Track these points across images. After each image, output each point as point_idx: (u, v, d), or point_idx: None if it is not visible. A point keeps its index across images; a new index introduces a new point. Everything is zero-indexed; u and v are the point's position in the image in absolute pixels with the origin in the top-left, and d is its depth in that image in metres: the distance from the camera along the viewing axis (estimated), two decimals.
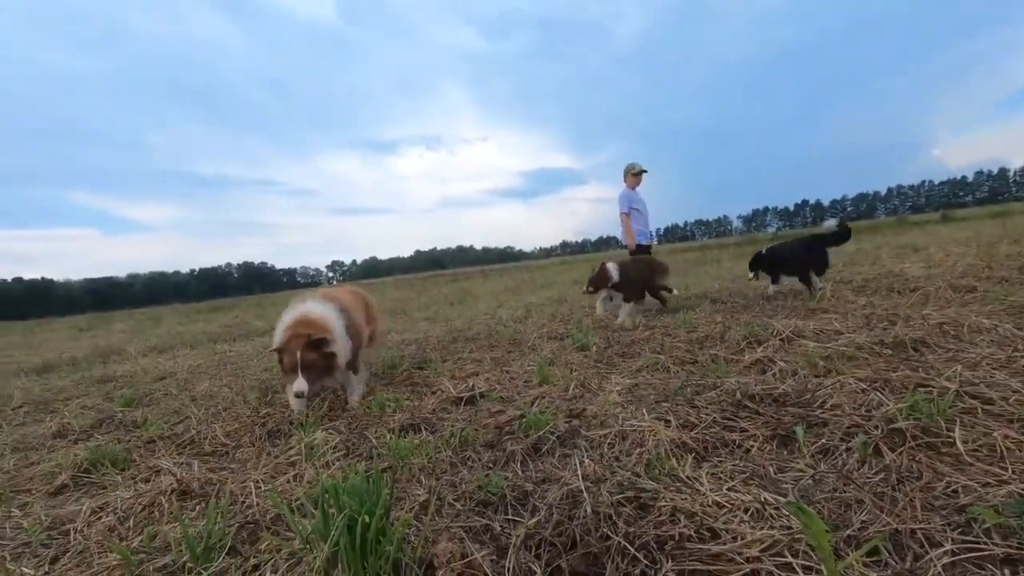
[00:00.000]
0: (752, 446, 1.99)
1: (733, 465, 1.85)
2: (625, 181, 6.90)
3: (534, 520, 1.57)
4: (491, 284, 18.47)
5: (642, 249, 6.88)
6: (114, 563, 1.59)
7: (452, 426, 2.54)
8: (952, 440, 1.75)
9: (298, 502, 1.86)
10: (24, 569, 1.67)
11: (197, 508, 1.98)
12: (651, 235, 7.11)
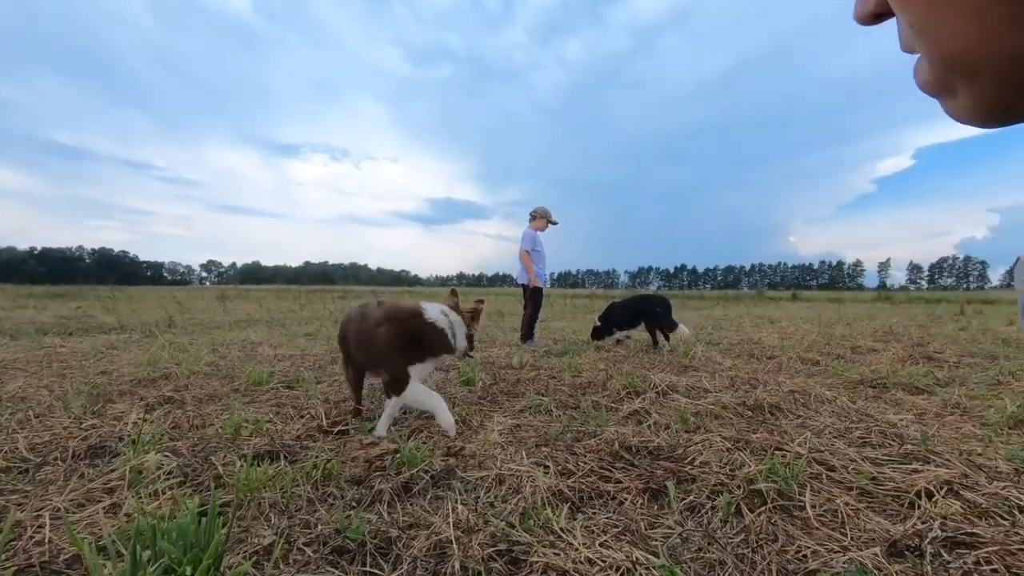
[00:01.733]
0: (626, 499, 1.98)
1: (607, 518, 1.82)
2: (533, 222, 7.03)
3: (395, 575, 1.42)
4: None
5: (537, 291, 7.00)
6: None
7: (317, 456, 2.29)
8: (803, 504, 1.87)
9: (107, 540, 1.53)
10: None
11: None
12: (547, 278, 7.26)
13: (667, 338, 6.43)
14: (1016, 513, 1.78)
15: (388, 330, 2.76)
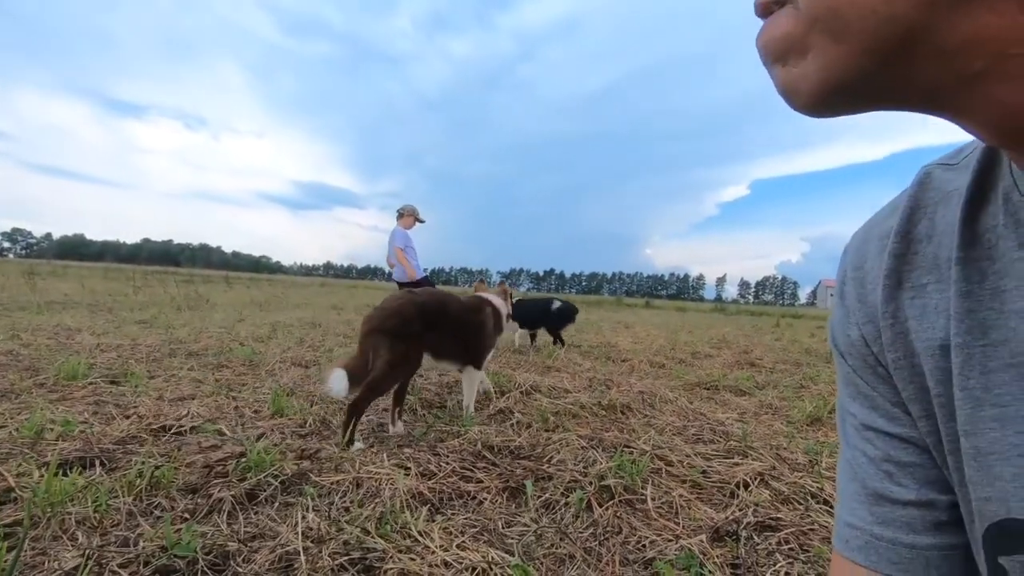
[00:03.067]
0: (485, 498, 2.01)
1: (465, 519, 1.83)
2: (400, 219, 6.91)
3: None
4: (235, 294, 16.32)
5: (419, 284, 6.88)
6: None
7: (143, 463, 2.01)
8: (645, 497, 2.03)
9: None
10: None
11: None
12: (422, 275, 7.17)
13: (562, 342, 6.83)
14: (809, 499, 2.10)
15: (486, 318, 3.25)
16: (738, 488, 2.19)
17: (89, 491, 1.77)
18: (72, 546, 1.48)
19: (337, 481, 2.03)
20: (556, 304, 6.90)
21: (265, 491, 1.92)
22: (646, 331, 10.56)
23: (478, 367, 3.22)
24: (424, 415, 3.17)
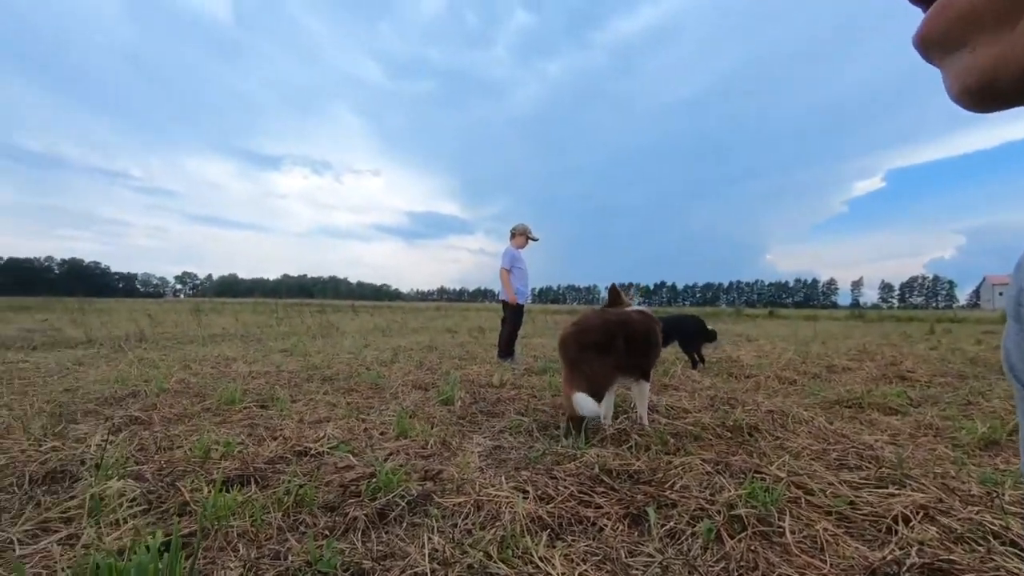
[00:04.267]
0: (606, 525, 1.95)
1: (586, 546, 1.79)
2: (513, 239, 7.04)
3: None
4: (361, 321, 17.64)
5: (517, 307, 6.97)
6: None
7: (289, 481, 2.22)
8: (783, 530, 1.86)
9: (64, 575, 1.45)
10: None
11: None
12: (528, 295, 7.25)
13: (703, 360, 6.53)
14: (990, 539, 1.79)
15: (657, 331, 3.42)
16: (896, 523, 1.93)
17: (247, 507, 1.98)
18: (235, 556, 1.66)
19: (459, 503, 2.08)
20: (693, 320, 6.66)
21: (394, 511, 2.02)
22: (771, 343, 9.78)
23: (648, 379, 3.40)
24: (539, 436, 3.17)
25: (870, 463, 2.61)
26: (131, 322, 12.35)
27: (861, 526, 1.95)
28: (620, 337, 3.16)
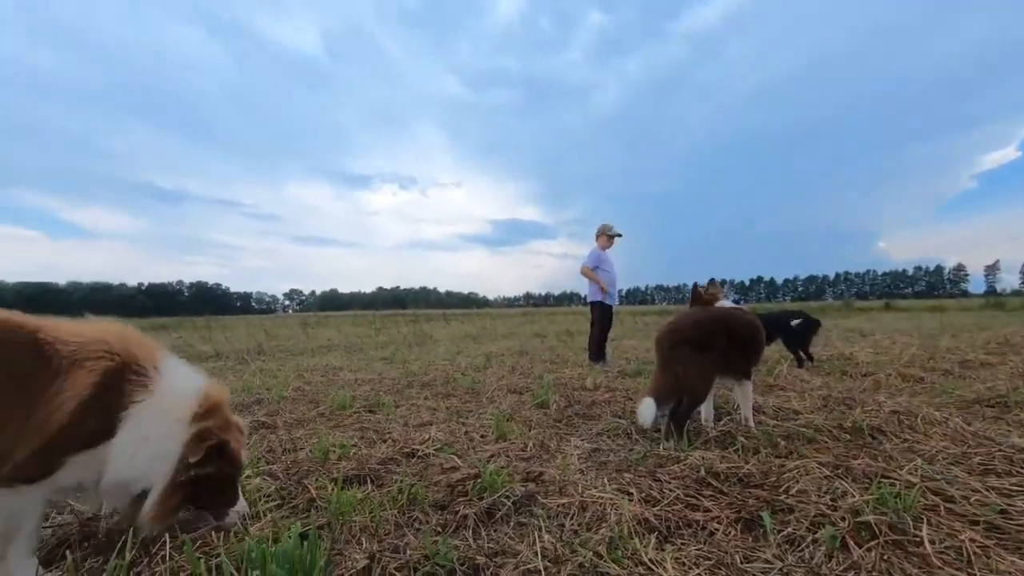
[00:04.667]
0: (717, 529, 1.89)
1: (698, 549, 1.74)
2: (597, 240, 6.99)
3: None
4: (452, 329, 18.23)
5: (605, 309, 6.90)
6: None
7: (401, 481, 2.36)
8: (920, 539, 1.70)
9: (218, 560, 1.64)
10: None
11: (101, 558, 1.73)
12: (616, 296, 7.14)
13: (810, 358, 6.12)
14: None
15: (760, 330, 3.28)
16: None
17: (366, 504, 2.13)
18: (359, 549, 1.79)
19: (563, 504, 2.11)
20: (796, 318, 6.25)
21: (500, 510, 2.08)
22: (890, 338, 8.91)
23: (750, 378, 3.27)
24: (639, 439, 3.12)
25: (1023, 468, 2.32)
26: (250, 337, 13.60)
27: (1017, 538, 1.74)
28: (719, 335, 3.06)
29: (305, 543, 1.30)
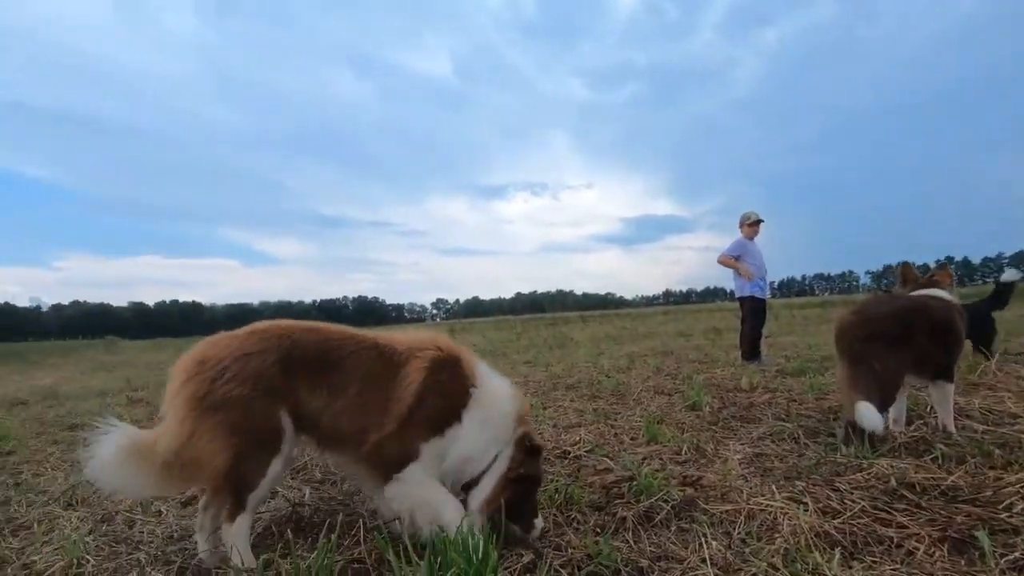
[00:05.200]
0: (916, 548, 1.66)
1: (894, 569, 1.55)
2: (741, 230, 6.53)
3: None
4: (591, 330, 18.18)
5: (757, 303, 6.38)
6: None
7: (556, 481, 2.41)
8: None
9: (404, 546, 1.82)
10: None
11: (308, 538, 2.02)
12: (766, 288, 6.55)
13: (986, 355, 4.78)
14: None
15: (961, 323, 2.80)
16: None
17: None
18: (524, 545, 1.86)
19: (727, 511, 2.00)
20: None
21: (659, 514, 2.03)
22: None
23: (951, 379, 2.80)
24: (808, 444, 2.85)
25: None
26: None
27: None
28: (918, 328, 2.65)
29: (473, 535, 1.40)
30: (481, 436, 1.87)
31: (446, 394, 1.86)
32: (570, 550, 1.78)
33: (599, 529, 1.97)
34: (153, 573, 1.80)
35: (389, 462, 1.78)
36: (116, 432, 1.66)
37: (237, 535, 1.69)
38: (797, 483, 2.24)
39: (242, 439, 1.64)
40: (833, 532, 1.78)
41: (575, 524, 2.03)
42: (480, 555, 1.31)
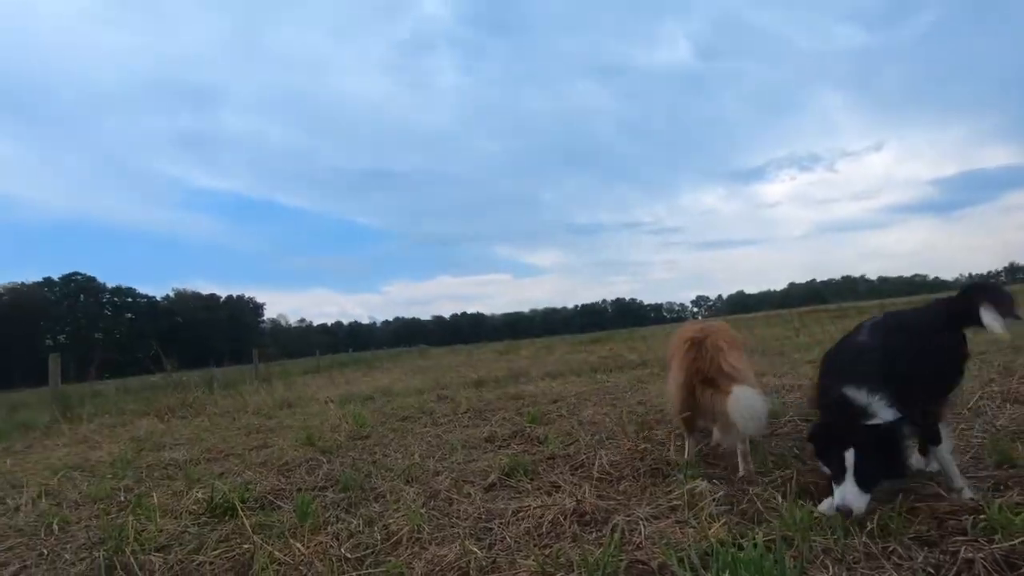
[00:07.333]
0: None
1: None
2: None
3: None
4: None
5: None
6: (532, 568, 1.85)
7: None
8: None
9: (683, 554, 1.79)
10: (475, 550, 2.11)
11: (593, 534, 2.14)
12: None
13: None
14: None
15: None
16: None
17: (824, 523, 1.94)
18: (826, 573, 1.63)
19: None
20: None
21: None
22: None
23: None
24: None
25: None
26: (667, 345, 14.51)
27: None
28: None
29: (771, 554, 1.28)
30: None
31: None
32: None
33: (929, 570, 1.61)
34: (470, 546, 2.14)
35: None
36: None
37: None
38: None
39: None
40: None
41: (894, 559, 1.69)
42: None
